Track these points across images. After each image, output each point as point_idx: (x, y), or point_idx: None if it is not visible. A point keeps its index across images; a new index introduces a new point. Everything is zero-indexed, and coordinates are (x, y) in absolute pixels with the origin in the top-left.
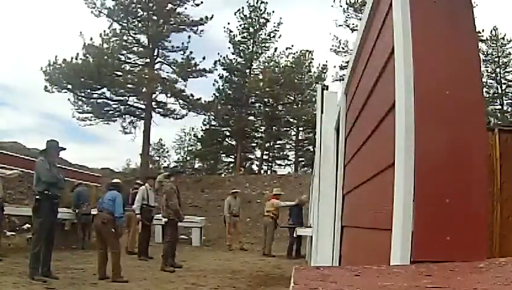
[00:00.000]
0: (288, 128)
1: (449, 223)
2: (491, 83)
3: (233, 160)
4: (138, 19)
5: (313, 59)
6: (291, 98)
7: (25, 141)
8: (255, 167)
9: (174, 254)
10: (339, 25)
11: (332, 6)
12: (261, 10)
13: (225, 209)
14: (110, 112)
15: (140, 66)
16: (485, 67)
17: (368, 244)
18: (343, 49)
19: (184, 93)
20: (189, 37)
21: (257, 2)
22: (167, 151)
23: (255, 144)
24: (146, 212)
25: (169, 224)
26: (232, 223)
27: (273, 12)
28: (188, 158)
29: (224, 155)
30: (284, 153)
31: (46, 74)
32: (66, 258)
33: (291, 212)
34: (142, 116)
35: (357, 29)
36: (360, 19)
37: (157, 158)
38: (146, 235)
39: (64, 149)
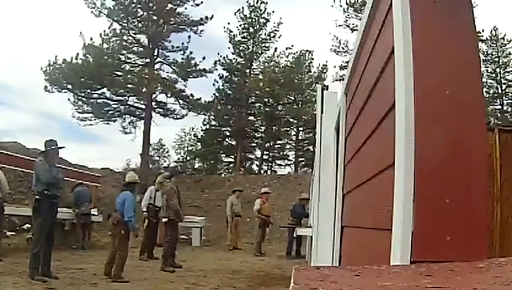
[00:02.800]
0: (288, 128)
1: (449, 223)
2: (491, 83)
3: (233, 160)
4: (138, 19)
5: (313, 59)
6: (291, 98)
7: (24, 141)
8: (255, 167)
9: (174, 254)
10: (339, 25)
11: (332, 6)
12: (261, 10)
13: (227, 209)
14: (110, 112)
15: (140, 66)
16: (485, 67)
17: (368, 244)
18: (343, 49)
19: (184, 93)
20: (189, 37)
21: (257, 2)
22: (167, 151)
23: (255, 144)
24: (151, 212)
25: (170, 224)
26: (234, 222)
27: (273, 12)
28: (188, 158)
29: (224, 155)
30: (284, 153)
31: (46, 74)
32: (66, 258)
33: (292, 212)
34: (142, 116)
35: (357, 29)
36: (360, 19)
37: (157, 158)
38: (151, 235)
39: (63, 148)
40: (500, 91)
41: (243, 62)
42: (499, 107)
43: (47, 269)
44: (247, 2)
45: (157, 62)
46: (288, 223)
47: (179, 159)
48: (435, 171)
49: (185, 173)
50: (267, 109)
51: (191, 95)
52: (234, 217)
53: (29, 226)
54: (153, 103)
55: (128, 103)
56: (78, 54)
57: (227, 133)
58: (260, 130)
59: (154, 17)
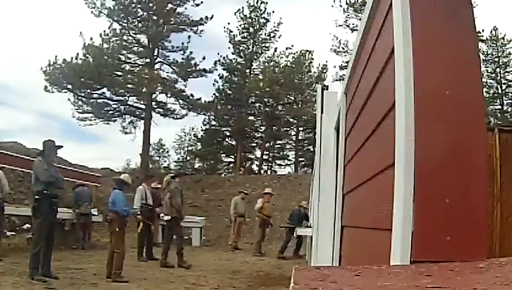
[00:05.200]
0: (288, 128)
1: (449, 223)
2: (491, 83)
3: (233, 160)
4: (138, 19)
5: (313, 59)
6: (291, 98)
7: (24, 141)
8: (255, 167)
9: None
10: (339, 25)
11: (332, 6)
12: (261, 10)
13: (231, 209)
14: (110, 112)
15: (140, 66)
16: (485, 67)
17: (368, 244)
18: (343, 49)
19: (184, 93)
20: (189, 37)
21: (257, 2)
22: (167, 151)
23: (255, 144)
24: (146, 212)
25: (174, 222)
26: (237, 222)
27: (273, 12)
28: (188, 158)
29: (224, 155)
30: (284, 153)
31: (46, 74)
32: (66, 258)
33: (290, 216)
34: (142, 116)
35: (357, 29)
36: (360, 19)
37: (157, 158)
38: (149, 235)
39: (62, 147)
40: (500, 91)
41: (243, 62)
42: (499, 107)
43: (47, 269)
44: (247, 2)
45: (157, 62)
46: (286, 223)
47: (179, 159)
48: (435, 171)
49: (188, 174)
50: (267, 109)
51: (191, 95)
52: (237, 217)
53: (29, 226)
54: (153, 103)
55: (128, 103)
56: (78, 54)
57: (227, 133)
58: (260, 130)
59: (154, 17)
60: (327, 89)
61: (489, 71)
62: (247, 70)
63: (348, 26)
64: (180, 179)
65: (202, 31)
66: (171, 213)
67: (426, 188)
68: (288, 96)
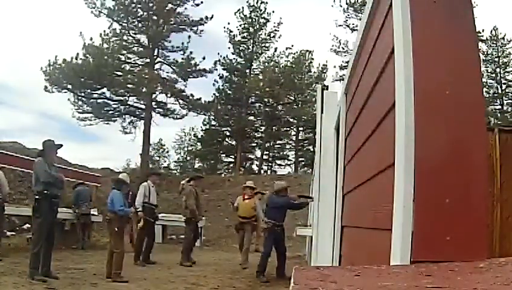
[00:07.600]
0: (288, 128)
1: (449, 223)
2: (491, 83)
3: (233, 160)
4: (138, 19)
5: (313, 59)
6: (291, 98)
7: (24, 141)
8: (255, 167)
9: (192, 250)
10: (339, 25)
11: (332, 6)
12: (261, 10)
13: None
14: (110, 112)
15: (140, 66)
16: (485, 67)
17: (368, 244)
18: (343, 49)
19: (184, 93)
20: (189, 37)
21: (257, 2)
22: (167, 151)
23: (255, 144)
24: (147, 211)
25: (186, 223)
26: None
27: (273, 12)
28: (188, 158)
29: (224, 155)
30: (284, 153)
31: (46, 74)
32: (66, 258)
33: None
34: (142, 116)
35: (357, 29)
36: (360, 19)
37: (157, 158)
38: (148, 236)
39: (61, 146)
40: (500, 91)
41: (243, 62)
42: (499, 107)
43: (47, 269)
44: (247, 2)
45: (157, 62)
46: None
47: (179, 159)
48: (435, 171)
49: (203, 177)
50: (267, 109)
51: (191, 95)
52: None
53: (29, 226)
54: (153, 103)
55: (128, 103)
56: (78, 54)
57: (227, 133)
58: (260, 130)
59: (154, 17)
60: (327, 89)
61: (489, 71)
62: (247, 70)
63: (348, 26)
64: (194, 181)
65: (202, 31)
66: (185, 214)
67: (426, 188)
68: (288, 96)
